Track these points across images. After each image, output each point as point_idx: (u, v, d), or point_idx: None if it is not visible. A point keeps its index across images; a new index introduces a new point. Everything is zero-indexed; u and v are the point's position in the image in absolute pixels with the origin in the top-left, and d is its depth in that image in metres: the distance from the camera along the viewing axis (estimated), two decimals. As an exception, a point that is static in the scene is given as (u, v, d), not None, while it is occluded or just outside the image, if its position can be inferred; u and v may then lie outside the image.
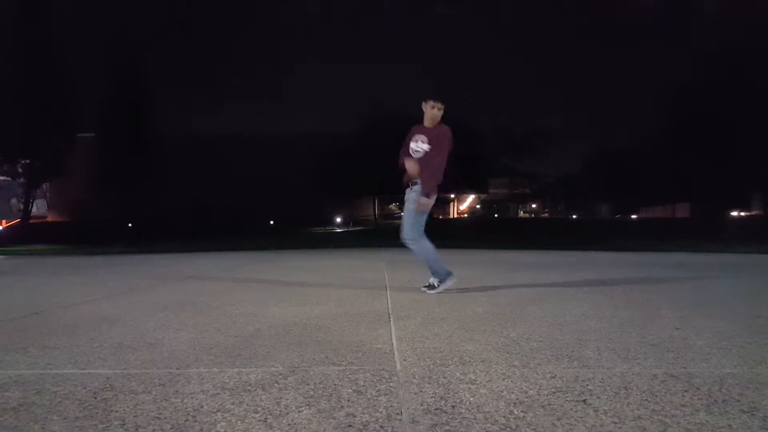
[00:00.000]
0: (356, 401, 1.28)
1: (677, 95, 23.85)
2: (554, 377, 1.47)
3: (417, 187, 3.26)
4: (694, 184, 22.97)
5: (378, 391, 1.36)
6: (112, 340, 2.02)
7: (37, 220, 27.62)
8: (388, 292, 3.43)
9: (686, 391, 1.34)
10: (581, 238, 14.91)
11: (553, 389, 1.36)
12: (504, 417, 1.17)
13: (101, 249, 13.24)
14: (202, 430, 1.12)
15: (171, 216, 25.06)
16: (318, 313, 2.60)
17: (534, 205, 51.83)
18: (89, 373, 1.56)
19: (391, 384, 1.42)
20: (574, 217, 41.26)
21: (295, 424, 1.14)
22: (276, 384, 1.42)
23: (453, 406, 1.23)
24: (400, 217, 3.53)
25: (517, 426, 1.12)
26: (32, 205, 25.20)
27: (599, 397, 1.30)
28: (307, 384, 1.42)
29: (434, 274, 3.33)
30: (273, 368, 1.58)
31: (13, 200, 29.55)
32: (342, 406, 1.24)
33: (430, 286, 3.34)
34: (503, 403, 1.25)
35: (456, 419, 1.15)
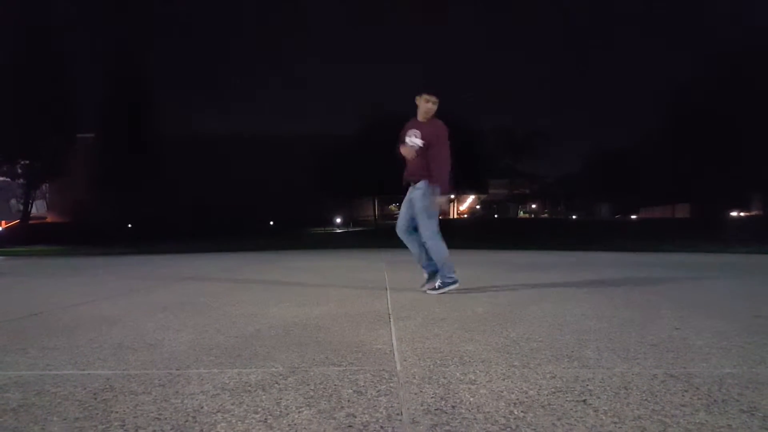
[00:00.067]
0: (356, 402, 1.28)
1: (677, 95, 23.88)
2: (554, 377, 1.47)
3: (421, 184, 3.26)
4: (694, 185, 22.99)
5: (378, 391, 1.36)
6: (111, 340, 2.02)
7: (36, 221, 27.60)
8: (388, 292, 3.43)
9: (686, 391, 1.35)
10: (581, 239, 14.91)
11: (553, 389, 1.36)
12: (504, 417, 1.17)
13: (101, 250, 13.24)
14: (202, 430, 1.11)
15: (171, 216, 25.06)
16: (318, 314, 2.60)
17: (534, 206, 51.86)
18: (89, 374, 1.56)
19: (392, 384, 1.42)
20: (573, 217, 41.27)
21: (295, 424, 1.14)
22: (276, 384, 1.42)
23: (453, 407, 1.23)
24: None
25: (517, 426, 1.12)
26: (32, 206, 25.18)
27: (599, 397, 1.30)
28: (308, 384, 1.42)
29: (440, 275, 3.32)
30: (273, 369, 1.58)
31: (13, 201, 29.52)
32: (342, 407, 1.24)
33: (433, 286, 3.33)
34: (503, 404, 1.25)
35: (456, 419, 1.15)
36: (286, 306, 2.88)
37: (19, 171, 23.44)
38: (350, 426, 1.12)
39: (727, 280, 4.53)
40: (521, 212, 49.58)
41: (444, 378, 1.47)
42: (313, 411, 1.22)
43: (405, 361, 1.67)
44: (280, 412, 1.21)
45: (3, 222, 28.21)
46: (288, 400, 1.30)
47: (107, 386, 1.42)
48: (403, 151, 3.29)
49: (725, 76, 20.96)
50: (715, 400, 1.27)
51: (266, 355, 1.76)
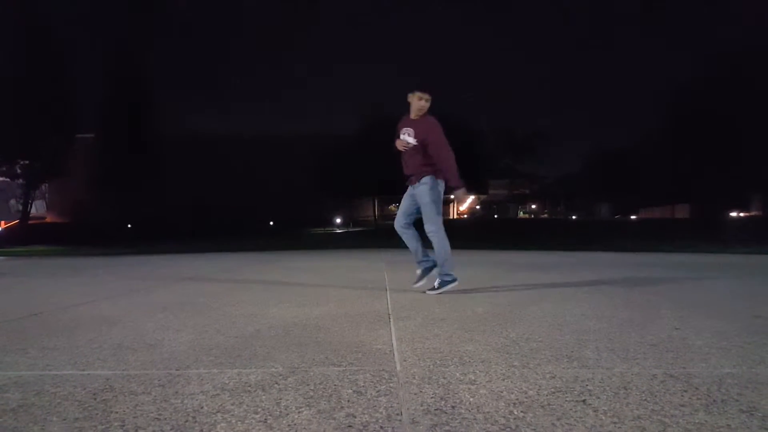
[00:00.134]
0: (356, 402, 1.28)
1: (677, 95, 23.88)
2: (554, 377, 1.47)
3: (427, 179, 3.26)
4: (694, 185, 23.00)
5: (378, 391, 1.36)
6: (111, 341, 2.02)
7: (36, 221, 27.59)
8: (388, 292, 3.43)
9: (685, 391, 1.35)
10: (581, 239, 14.92)
11: (552, 389, 1.36)
12: (504, 417, 1.17)
13: (100, 250, 13.23)
14: (202, 431, 1.12)
15: (171, 216, 25.05)
16: (318, 314, 2.60)
17: (534, 206, 51.89)
18: (89, 374, 1.56)
19: (391, 384, 1.42)
20: (573, 217, 41.30)
21: (295, 424, 1.14)
22: (276, 385, 1.42)
23: (453, 407, 1.24)
24: None
25: (516, 426, 1.12)
26: (31, 206, 25.15)
27: (599, 397, 1.30)
28: (307, 385, 1.42)
29: (440, 274, 3.32)
30: (273, 369, 1.58)
31: (12, 201, 29.50)
32: (342, 407, 1.24)
33: (432, 286, 3.33)
34: (503, 404, 1.26)
35: (456, 419, 1.15)
36: (286, 306, 2.88)
37: (19, 171, 23.41)
38: (350, 426, 1.12)
39: (727, 280, 4.54)
40: (521, 212, 49.61)
41: (444, 378, 1.47)
42: (313, 411, 1.22)
43: (405, 361, 1.67)
44: (280, 412, 1.21)
45: (2, 222, 28.20)
46: (288, 400, 1.30)
47: (107, 386, 1.42)
48: (398, 144, 3.32)
49: (725, 76, 20.97)
50: (714, 400, 1.27)
51: (266, 355, 1.76)
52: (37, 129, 21.17)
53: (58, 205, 32.25)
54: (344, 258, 8.14)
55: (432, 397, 1.30)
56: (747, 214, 27.72)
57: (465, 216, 44.11)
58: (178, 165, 27.03)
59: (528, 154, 31.36)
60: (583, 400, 1.28)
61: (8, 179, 24.72)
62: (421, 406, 1.25)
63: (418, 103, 3.27)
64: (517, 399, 1.29)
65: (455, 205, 41.90)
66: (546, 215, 51.10)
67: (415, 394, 1.34)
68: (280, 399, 1.30)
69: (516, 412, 1.20)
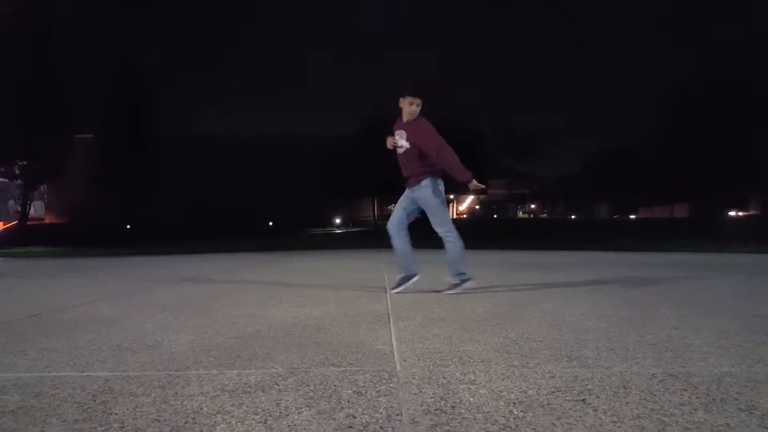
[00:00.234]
0: (356, 402, 1.28)
1: (677, 95, 23.89)
2: (553, 377, 1.47)
3: (427, 182, 3.26)
4: (693, 184, 23.02)
5: (378, 391, 1.36)
6: (111, 342, 2.02)
7: (34, 222, 27.55)
8: (387, 293, 3.43)
9: (685, 390, 1.35)
10: (580, 238, 14.93)
11: (552, 389, 1.36)
12: (504, 417, 1.17)
13: (100, 251, 13.22)
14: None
15: (170, 217, 25.03)
16: (317, 314, 2.60)
17: (533, 206, 51.91)
18: (88, 375, 1.55)
19: (391, 385, 1.42)
20: (572, 217, 41.34)
21: (295, 425, 1.14)
22: (276, 385, 1.42)
23: (453, 407, 1.24)
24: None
25: (516, 426, 1.12)
26: (30, 207, 25.11)
27: (598, 397, 1.30)
28: (307, 385, 1.42)
29: (456, 272, 3.31)
30: (273, 370, 1.58)
31: (11, 202, 29.46)
32: (342, 407, 1.24)
33: (451, 286, 3.33)
34: (503, 403, 1.26)
35: (456, 419, 1.16)
36: (285, 307, 2.88)
37: (17, 172, 23.38)
38: (350, 426, 1.12)
39: (726, 279, 4.54)
40: (520, 212, 49.64)
41: (444, 378, 1.47)
42: (313, 412, 1.22)
43: (405, 361, 1.67)
44: (280, 413, 1.21)
45: (1, 223, 28.16)
46: (288, 401, 1.30)
47: (106, 388, 1.42)
48: (389, 141, 3.35)
49: (725, 76, 20.99)
50: (713, 399, 1.27)
51: (266, 356, 1.76)
52: (36, 129, 21.13)
53: (56, 206, 32.22)
54: (344, 258, 8.14)
55: (432, 397, 1.31)
56: (746, 213, 27.76)
57: (464, 216, 44.14)
58: (177, 165, 27.01)
59: (527, 154, 31.39)
60: (583, 400, 1.28)
61: (7, 180, 24.68)
62: (421, 406, 1.25)
63: (410, 108, 3.30)
64: (516, 398, 1.29)
65: (455, 204, 41.98)
66: (545, 215, 51.14)
67: (415, 394, 1.34)
68: (280, 400, 1.30)
69: (516, 412, 1.20)
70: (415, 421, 1.15)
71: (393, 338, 2.02)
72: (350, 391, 1.36)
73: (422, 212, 3.40)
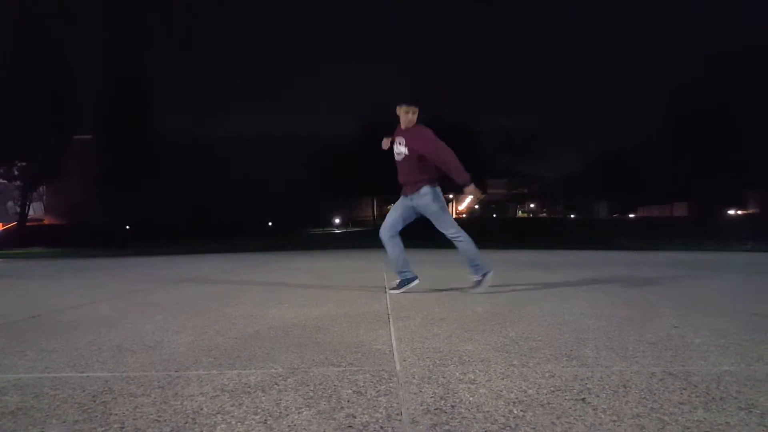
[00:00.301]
0: (356, 402, 1.28)
1: (677, 95, 23.89)
2: (553, 376, 1.48)
3: (426, 189, 3.27)
4: (693, 184, 23.05)
5: (378, 391, 1.36)
6: (110, 342, 2.02)
7: (34, 223, 27.51)
8: (387, 292, 3.44)
9: (684, 388, 1.35)
10: (580, 238, 14.95)
11: (552, 388, 1.37)
12: (503, 416, 1.17)
13: (99, 252, 13.21)
14: (201, 432, 1.11)
15: (170, 217, 25.01)
16: (317, 315, 2.60)
17: (532, 205, 51.95)
18: (88, 376, 1.55)
19: (391, 384, 1.42)
20: (572, 216, 41.36)
21: (295, 425, 1.14)
22: (276, 385, 1.42)
23: (453, 406, 1.24)
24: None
25: (516, 425, 1.12)
26: (29, 208, 25.08)
27: (598, 396, 1.30)
28: (307, 385, 1.42)
29: (477, 269, 3.33)
30: (272, 370, 1.58)
31: (10, 203, 29.43)
32: (342, 407, 1.24)
33: (474, 281, 3.35)
34: (503, 403, 1.26)
35: (456, 419, 1.16)
36: (285, 307, 2.88)
37: (16, 173, 23.34)
38: (350, 426, 1.12)
39: (725, 278, 4.55)
40: (520, 212, 49.68)
41: (443, 378, 1.47)
42: (313, 412, 1.22)
43: (404, 361, 1.67)
44: (280, 413, 1.21)
45: (0, 224, 28.12)
46: (288, 401, 1.30)
47: (106, 388, 1.42)
48: (384, 142, 3.38)
49: (725, 76, 21.00)
50: (713, 398, 1.27)
51: (265, 356, 1.76)
52: (35, 130, 21.10)
53: (56, 207, 32.18)
54: (343, 258, 8.14)
55: (432, 397, 1.31)
56: (745, 212, 27.80)
57: (464, 215, 44.16)
58: (177, 165, 26.99)
59: (527, 154, 31.41)
60: (583, 399, 1.28)
61: (6, 181, 24.64)
62: (421, 405, 1.25)
63: (406, 116, 3.31)
64: (516, 398, 1.29)
65: (454, 204, 41.99)
66: (545, 214, 51.18)
67: (415, 393, 1.34)
68: (280, 400, 1.30)
69: (516, 411, 1.20)
70: (415, 421, 1.15)
71: (393, 338, 2.02)
72: (350, 391, 1.36)
73: (420, 218, 3.42)
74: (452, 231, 3.30)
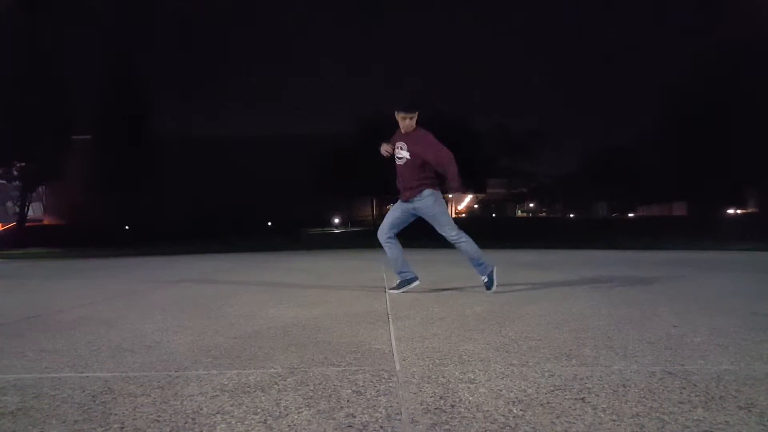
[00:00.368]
0: (356, 402, 1.28)
1: (677, 95, 23.87)
2: (553, 375, 1.48)
3: (427, 192, 3.27)
4: (692, 183, 23.07)
5: (377, 391, 1.36)
6: (110, 343, 2.01)
7: (33, 224, 27.48)
8: (386, 292, 3.44)
9: (684, 388, 1.35)
10: (579, 237, 14.96)
11: (551, 387, 1.37)
12: (503, 416, 1.17)
13: (98, 252, 13.20)
14: (201, 432, 1.11)
15: (169, 218, 24.99)
16: (317, 314, 2.60)
17: (531, 205, 51.99)
18: (87, 376, 1.55)
19: (391, 384, 1.42)
20: (571, 215, 41.39)
21: (294, 425, 1.14)
22: (275, 385, 1.42)
23: (452, 406, 1.24)
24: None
25: (516, 424, 1.12)
26: (28, 209, 25.05)
27: (597, 395, 1.30)
28: (307, 385, 1.42)
29: (483, 269, 3.33)
30: (272, 369, 1.58)
31: (9, 203, 29.39)
32: (341, 407, 1.24)
33: (483, 280, 3.34)
34: (502, 402, 1.26)
35: (455, 418, 1.16)
36: (284, 307, 2.88)
37: (15, 173, 23.31)
38: (350, 426, 1.12)
39: (725, 277, 4.55)
40: (519, 211, 49.71)
41: (443, 377, 1.47)
42: (313, 411, 1.22)
43: (404, 360, 1.67)
44: (280, 412, 1.21)
45: (0, 224, 28.08)
46: (287, 400, 1.30)
47: (106, 389, 1.42)
48: (383, 147, 3.37)
49: (725, 75, 21.02)
50: (712, 397, 1.28)
51: (265, 356, 1.76)
52: (35, 130, 21.06)
53: (55, 208, 32.14)
54: (343, 258, 8.14)
55: (431, 396, 1.31)
56: (744, 211, 27.84)
57: (463, 215, 44.17)
58: (176, 166, 26.98)
59: (526, 153, 31.44)
60: (582, 398, 1.28)
61: (5, 181, 24.61)
62: (421, 405, 1.25)
63: (403, 122, 3.32)
64: (516, 397, 1.29)
65: (453, 204, 42.01)
66: (544, 214, 51.22)
67: (415, 393, 1.34)
68: (280, 399, 1.30)
69: (515, 411, 1.20)
70: (415, 421, 1.15)
71: (392, 338, 2.02)
72: (350, 391, 1.36)
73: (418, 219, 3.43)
74: (453, 234, 3.30)
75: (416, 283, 3.40)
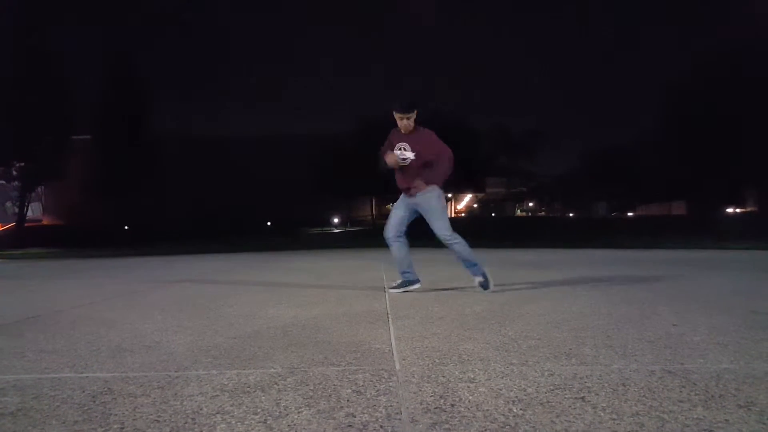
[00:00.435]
0: (356, 401, 1.28)
1: (676, 94, 23.87)
2: (552, 375, 1.48)
3: (431, 187, 3.28)
4: (691, 182, 23.08)
5: (377, 390, 1.36)
6: (110, 343, 2.01)
7: (32, 224, 27.45)
8: (386, 292, 3.44)
9: (683, 387, 1.35)
10: (578, 236, 14.97)
11: (551, 387, 1.37)
12: (503, 415, 1.17)
13: (98, 252, 13.19)
14: (201, 432, 1.11)
15: (169, 218, 24.98)
16: (317, 314, 2.60)
17: (531, 204, 52.00)
18: (87, 376, 1.55)
19: (391, 384, 1.42)
20: (570, 215, 41.42)
21: (294, 425, 1.14)
22: (275, 385, 1.42)
23: (452, 405, 1.24)
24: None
25: (516, 424, 1.12)
26: (27, 209, 25.02)
27: (597, 394, 1.30)
28: (307, 385, 1.42)
29: (476, 270, 3.35)
30: (272, 369, 1.58)
31: (8, 203, 29.36)
32: (341, 407, 1.24)
33: (480, 281, 3.35)
34: (502, 401, 1.26)
35: (455, 418, 1.16)
36: (284, 307, 2.88)
37: (15, 173, 23.28)
38: (350, 426, 1.12)
39: (724, 276, 4.56)
40: (518, 210, 49.72)
41: (443, 377, 1.47)
42: (313, 411, 1.22)
43: (404, 360, 1.67)
44: (280, 412, 1.21)
45: (-1, 225, 28.07)
46: (287, 400, 1.30)
47: (106, 389, 1.42)
48: (389, 159, 3.30)
49: (725, 75, 21.02)
50: (712, 396, 1.28)
51: (265, 355, 1.76)
52: (34, 130, 21.04)
53: (54, 208, 32.11)
54: (342, 258, 8.14)
55: (431, 396, 1.31)
56: (743, 210, 27.86)
57: (463, 214, 44.19)
58: (176, 166, 26.96)
59: (525, 153, 31.43)
60: (582, 397, 1.28)
61: (4, 181, 24.59)
62: (421, 404, 1.25)
63: (401, 122, 3.30)
64: (516, 397, 1.29)
65: (453, 203, 42.00)
66: (543, 213, 51.24)
67: (415, 392, 1.34)
68: (280, 399, 1.30)
69: (515, 410, 1.20)
70: (415, 420, 1.15)
71: (392, 337, 2.02)
72: (350, 391, 1.36)
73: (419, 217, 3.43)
74: (448, 234, 3.30)
75: (417, 285, 3.41)
